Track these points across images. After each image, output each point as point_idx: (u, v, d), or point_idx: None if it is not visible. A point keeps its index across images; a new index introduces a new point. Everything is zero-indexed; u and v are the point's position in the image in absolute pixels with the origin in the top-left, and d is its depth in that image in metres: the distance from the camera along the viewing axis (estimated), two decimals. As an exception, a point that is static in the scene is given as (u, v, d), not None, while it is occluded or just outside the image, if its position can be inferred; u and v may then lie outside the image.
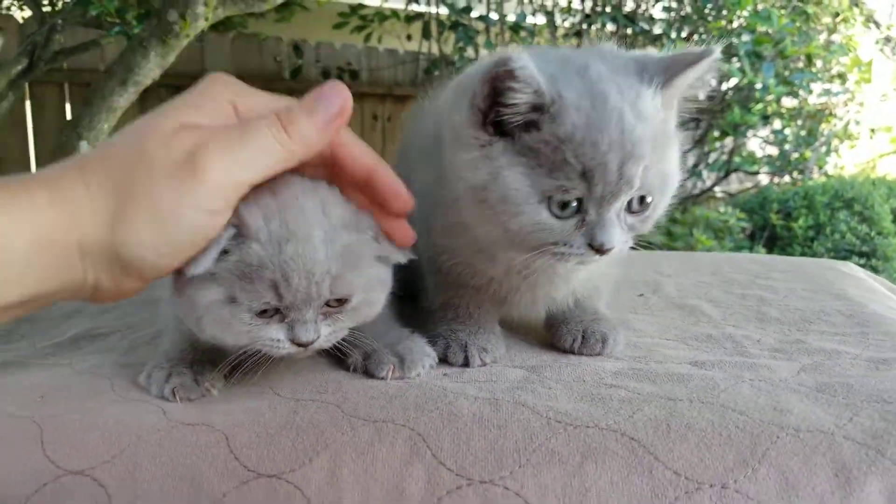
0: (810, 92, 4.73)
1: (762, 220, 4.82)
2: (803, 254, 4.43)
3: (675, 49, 0.73)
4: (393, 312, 0.84)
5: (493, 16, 4.25)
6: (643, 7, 4.49)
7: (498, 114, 0.68)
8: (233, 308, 0.65)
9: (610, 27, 4.19)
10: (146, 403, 0.70)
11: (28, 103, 4.05)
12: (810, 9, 4.39)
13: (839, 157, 5.76)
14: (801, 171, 5.25)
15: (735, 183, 5.98)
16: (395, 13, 4.50)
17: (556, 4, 4.57)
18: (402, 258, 0.74)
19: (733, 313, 1.06)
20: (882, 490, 0.54)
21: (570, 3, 4.53)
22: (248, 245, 0.64)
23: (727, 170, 5.09)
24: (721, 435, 0.59)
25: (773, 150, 5.23)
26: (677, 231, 4.23)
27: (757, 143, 5.40)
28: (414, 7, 4.51)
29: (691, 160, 4.77)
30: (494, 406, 0.65)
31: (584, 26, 4.34)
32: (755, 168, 5.25)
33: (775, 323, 0.99)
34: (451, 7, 4.10)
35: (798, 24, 4.20)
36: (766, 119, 4.67)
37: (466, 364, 0.80)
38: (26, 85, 3.20)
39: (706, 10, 4.19)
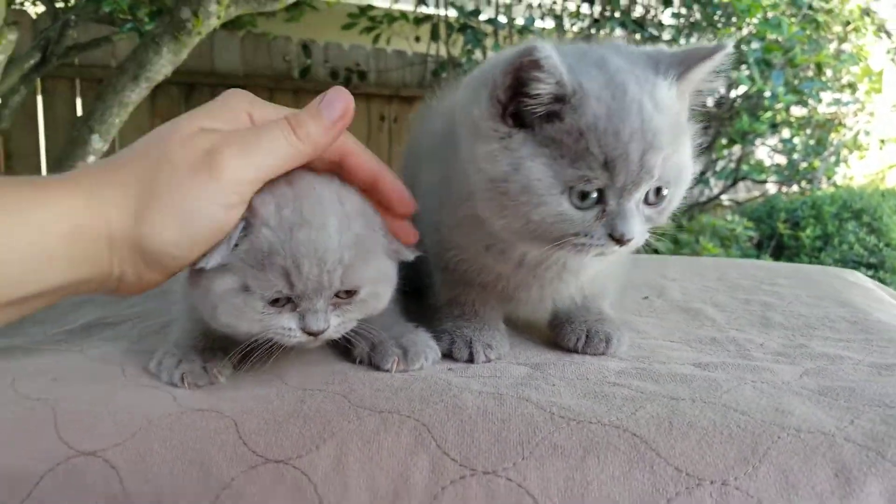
0: (820, 101, 4.72)
1: (769, 229, 4.82)
2: (810, 264, 4.43)
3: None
4: (398, 307, 0.86)
5: (502, 19, 4.26)
6: (652, 13, 4.50)
7: (519, 105, 0.68)
8: (246, 296, 0.67)
9: (619, 32, 4.20)
10: (157, 389, 0.71)
11: (40, 98, 4.08)
12: (821, 17, 4.39)
13: (848, 167, 5.75)
14: (810, 181, 5.25)
15: (742, 191, 5.98)
16: (403, 15, 4.52)
17: (564, 9, 4.59)
18: (409, 256, 0.76)
19: (737, 317, 1.06)
20: (882, 492, 0.54)
21: (578, 7, 4.54)
22: (257, 231, 0.66)
23: (735, 178, 5.09)
24: (722, 433, 0.59)
25: (782, 159, 5.23)
26: (683, 238, 4.24)
27: (765, 152, 5.40)
28: (423, 9, 4.52)
29: (699, 167, 4.75)
30: (498, 400, 0.66)
31: (593, 31, 4.35)
32: (763, 177, 5.24)
33: (779, 328, 1.00)
34: (459, 10, 4.11)
35: (808, 32, 4.20)
36: (774, 127, 4.66)
37: (471, 360, 0.81)
38: (38, 79, 3.22)
39: (715, 17, 4.20)
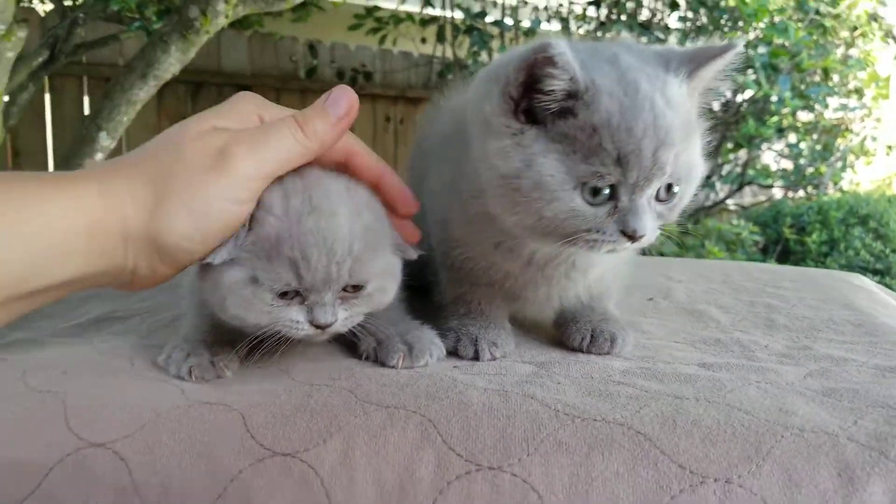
0: (826, 106, 4.72)
1: (775, 233, 4.81)
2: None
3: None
4: (404, 305, 0.86)
5: (508, 21, 4.27)
6: (658, 16, 4.50)
7: (531, 101, 0.69)
8: (255, 289, 0.68)
9: (625, 36, 4.21)
10: (165, 383, 0.72)
11: (47, 96, 4.10)
12: (828, 22, 4.39)
13: (855, 172, 5.75)
14: (816, 186, 5.24)
15: (748, 196, 5.98)
16: (410, 16, 4.53)
17: (570, 11, 4.59)
18: (413, 254, 0.78)
19: (742, 319, 1.07)
20: (885, 491, 0.54)
21: (584, 10, 4.55)
22: (264, 220, 0.68)
23: (741, 182, 5.08)
24: (726, 432, 0.60)
25: (788, 164, 5.22)
26: (689, 242, 4.23)
27: (771, 157, 5.39)
28: (429, 11, 4.53)
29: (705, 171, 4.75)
30: (504, 397, 0.67)
31: (599, 34, 4.35)
32: (769, 181, 5.24)
33: (783, 330, 1.00)
34: (466, 12, 4.13)
35: (815, 37, 4.20)
36: (781, 132, 4.67)
37: (476, 358, 0.82)
38: (46, 77, 3.24)
39: (722, 21, 4.20)
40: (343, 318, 0.72)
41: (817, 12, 4.32)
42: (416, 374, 0.73)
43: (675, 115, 0.69)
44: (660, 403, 0.65)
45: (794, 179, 5.12)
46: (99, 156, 2.45)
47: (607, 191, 0.69)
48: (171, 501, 0.60)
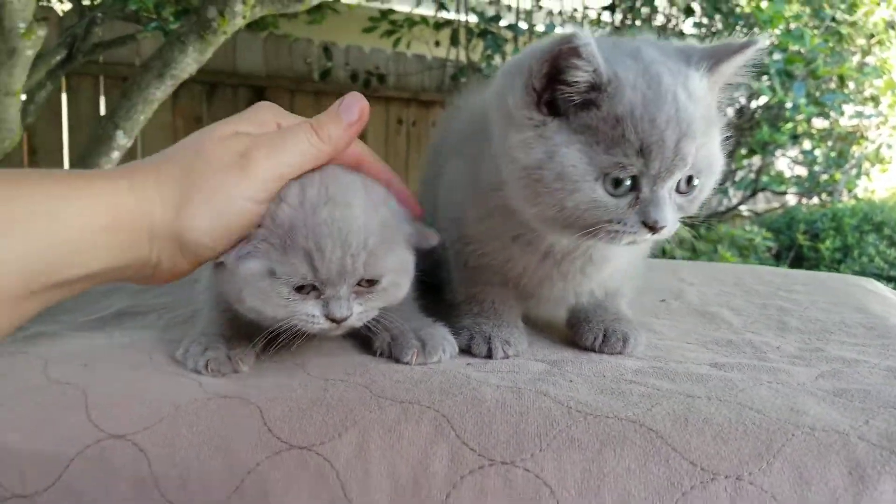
0: (842, 113, 4.69)
1: (788, 240, 4.79)
2: (828, 275, 4.39)
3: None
4: (417, 303, 0.87)
5: (522, 25, 4.27)
6: (673, 22, 4.50)
7: (554, 93, 0.70)
8: (272, 281, 0.70)
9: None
10: (183, 377, 0.73)
11: (64, 94, 4.14)
12: (844, 29, 4.37)
13: (870, 180, 5.71)
14: (830, 194, 5.21)
15: (762, 202, 5.94)
16: (424, 19, 4.53)
17: (585, 16, 4.60)
18: (435, 238, 0.79)
19: (754, 321, 1.07)
20: (896, 489, 0.55)
21: (599, 15, 4.55)
22: (277, 208, 0.71)
23: (754, 189, 5.06)
24: (737, 430, 0.60)
25: (802, 171, 5.19)
26: (701, 247, 4.22)
27: (786, 163, 5.37)
28: (443, 14, 4.54)
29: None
30: (517, 394, 0.67)
31: (614, 39, 4.34)
32: (783, 188, 5.21)
33: (795, 332, 1.01)
34: (480, 15, 4.13)
35: (831, 44, 4.18)
36: (795, 139, 4.64)
37: (489, 356, 0.82)
38: (63, 77, 3.27)
39: (737, 27, 4.19)
40: (358, 312, 0.73)
41: (833, 19, 4.30)
42: (429, 371, 0.74)
43: (696, 108, 0.70)
44: (671, 402, 0.66)
45: (809, 186, 5.09)
46: (115, 154, 2.47)
47: (629, 182, 0.70)
48: (190, 493, 0.62)
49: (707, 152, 0.73)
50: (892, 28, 4.94)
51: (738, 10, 4.12)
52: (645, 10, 4.40)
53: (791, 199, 5.72)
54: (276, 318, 0.72)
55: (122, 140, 2.45)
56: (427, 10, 4.60)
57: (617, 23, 4.41)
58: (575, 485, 0.58)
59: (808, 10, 4.26)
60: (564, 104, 0.70)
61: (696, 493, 0.56)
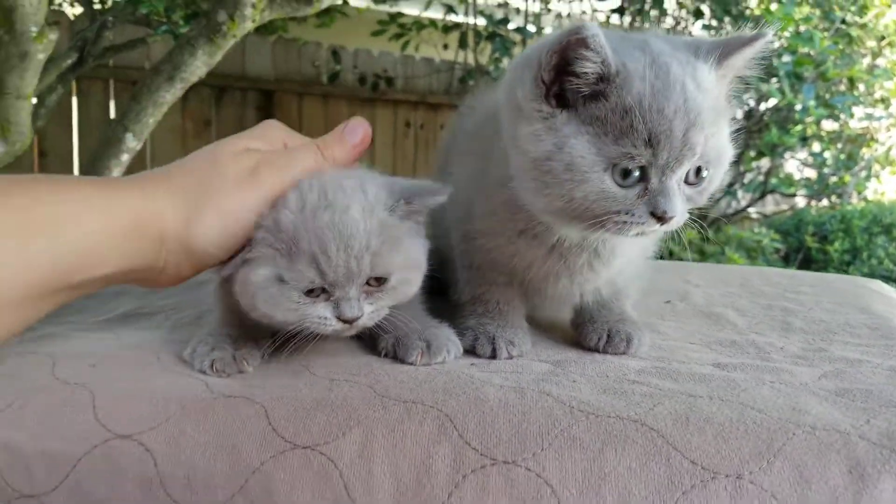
0: (852, 116, 4.67)
1: (797, 242, 4.77)
2: (837, 277, 4.37)
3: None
4: (423, 305, 0.88)
5: (531, 28, 4.28)
6: (682, 24, 4.50)
7: (563, 85, 0.70)
8: (281, 287, 0.71)
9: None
10: (190, 377, 0.74)
11: (74, 98, 4.17)
12: (854, 32, 4.35)
13: (880, 182, 5.68)
14: (840, 196, 5.19)
15: (771, 204, 5.92)
16: (433, 23, 4.54)
17: (594, 19, 4.59)
18: (441, 195, 0.79)
19: (758, 322, 1.07)
20: (896, 489, 0.55)
21: (608, 18, 4.55)
22: (278, 214, 0.72)
23: (763, 191, 5.04)
24: (738, 429, 0.61)
25: (811, 173, 5.17)
26: (709, 249, 4.21)
27: (795, 165, 5.35)
28: (452, 17, 4.55)
29: (726, 179, 4.71)
30: (520, 394, 0.68)
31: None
32: (792, 190, 5.19)
33: (799, 332, 1.01)
34: (488, 18, 4.14)
35: (841, 46, 4.16)
36: (804, 141, 4.62)
37: (493, 356, 0.83)
38: (73, 80, 3.29)
39: (747, 30, 4.17)
40: (369, 311, 0.74)
41: (843, 21, 4.29)
42: (433, 371, 0.75)
43: (704, 99, 0.70)
44: (673, 401, 0.66)
45: (818, 188, 5.07)
46: (125, 157, 2.49)
47: (637, 172, 0.70)
48: (195, 493, 0.62)
49: (716, 143, 0.73)
50: (903, 30, 4.92)
51: (747, 12, 4.11)
52: (654, 13, 4.39)
53: (800, 202, 5.70)
54: (287, 322, 0.73)
55: (132, 143, 2.47)
56: (435, 14, 4.61)
57: (626, 25, 4.41)
58: (576, 484, 0.58)
59: (818, 12, 4.25)
60: (573, 96, 0.71)
61: (696, 492, 0.56)
